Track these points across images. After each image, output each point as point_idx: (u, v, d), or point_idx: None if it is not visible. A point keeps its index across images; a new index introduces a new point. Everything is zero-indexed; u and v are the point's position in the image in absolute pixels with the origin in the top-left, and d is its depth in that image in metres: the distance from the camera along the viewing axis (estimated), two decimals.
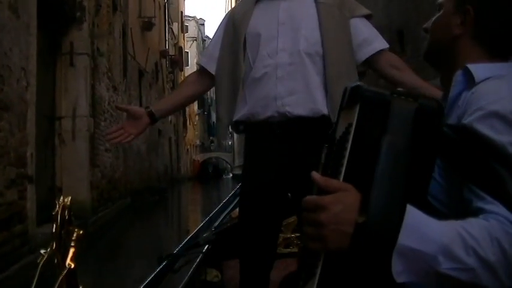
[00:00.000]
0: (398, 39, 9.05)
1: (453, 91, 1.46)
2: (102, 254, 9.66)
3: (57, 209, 1.35)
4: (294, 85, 2.53)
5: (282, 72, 2.55)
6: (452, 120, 1.40)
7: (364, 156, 1.21)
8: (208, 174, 53.71)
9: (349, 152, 1.23)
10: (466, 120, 1.32)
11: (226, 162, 63.94)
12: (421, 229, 1.15)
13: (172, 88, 36.23)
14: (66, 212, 1.35)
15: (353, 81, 1.78)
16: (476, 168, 1.27)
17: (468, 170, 1.29)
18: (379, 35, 2.74)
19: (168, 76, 33.69)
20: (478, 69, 1.42)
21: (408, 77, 2.63)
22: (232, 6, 3.33)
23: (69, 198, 1.40)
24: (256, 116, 2.60)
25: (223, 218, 4.54)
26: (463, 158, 1.30)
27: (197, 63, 3.09)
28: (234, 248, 2.79)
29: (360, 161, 1.22)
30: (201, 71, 2.88)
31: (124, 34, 18.22)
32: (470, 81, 1.42)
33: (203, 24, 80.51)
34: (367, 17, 2.74)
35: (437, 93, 1.80)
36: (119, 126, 2.79)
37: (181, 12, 50.97)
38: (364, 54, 2.67)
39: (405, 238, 1.13)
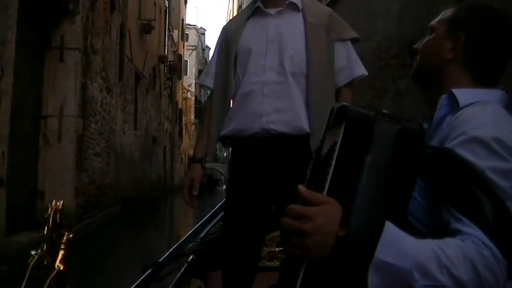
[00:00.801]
0: (409, 51, 8.56)
1: (438, 114, 1.54)
2: (85, 263, 8.90)
3: (49, 212, 1.43)
4: (279, 103, 2.61)
5: (268, 90, 2.62)
6: (435, 142, 1.49)
7: (347, 173, 1.29)
8: (201, 185, 52.85)
9: (333, 169, 1.31)
10: (449, 144, 1.39)
11: (221, 173, 63.39)
12: (398, 245, 1.21)
13: (170, 95, 35.68)
14: (58, 215, 1.44)
15: (332, 102, 2.28)
16: (456, 191, 1.33)
17: (448, 192, 1.35)
18: (360, 62, 2.79)
19: (166, 82, 33.04)
20: (463, 94, 1.50)
21: None
22: (234, 16, 3.38)
23: (61, 202, 1.48)
24: (242, 132, 2.67)
25: (209, 229, 4.55)
26: (444, 180, 1.36)
27: (199, 83, 3.18)
28: (219, 259, 2.83)
29: (343, 178, 1.30)
30: (211, 100, 2.95)
31: (122, 35, 17.55)
32: (454, 105, 1.50)
33: (204, 34, 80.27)
34: (354, 41, 2.79)
35: None
36: (188, 191, 2.91)
37: (182, 20, 50.69)
38: (342, 80, 2.74)
39: (382, 253, 1.20)
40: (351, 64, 2.75)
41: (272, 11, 2.77)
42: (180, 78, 44.53)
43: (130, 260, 10.13)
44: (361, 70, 2.79)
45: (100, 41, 13.03)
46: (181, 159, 51.12)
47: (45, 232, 1.39)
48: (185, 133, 52.93)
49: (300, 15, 2.74)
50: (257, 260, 2.78)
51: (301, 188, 1.31)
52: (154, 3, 26.58)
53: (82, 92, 10.81)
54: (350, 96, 2.76)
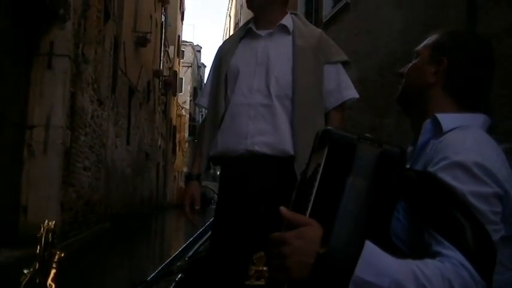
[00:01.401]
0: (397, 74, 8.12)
1: (422, 138, 1.62)
2: (72, 282, 8.25)
3: (41, 231, 1.44)
4: (263, 125, 2.64)
5: (254, 112, 2.66)
6: (419, 166, 1.56)
7: (329, 194, 1.34)
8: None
9: (316, 189, 1.37)
10: (432, 168, 1.45)
11: (214, 192, 62.75)
12: (376, 263, 1.25)
13: (164, 111, 35.22)
14: (50, 234, 1.45)
15: (320, 124, 2.56)
16: (437, 214, 1.38)
17: (430, 215, 1.39)
18: (351, 84, 2.80)
19: (160, 98, 32.56)
20: (446, 119, 1.58)
21: None
22: (230, 35, 3.30)
23: (54, 222, 1.49)
24: (229, 153, 2.71)
25: (198, 247, 4.54)
26: (426, 203, 1.41)
27: (196, 103, 3.25)
28: (207, 278, 2.87)
29: (325, 198, 1.35)
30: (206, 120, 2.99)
31: (116, 46, 17.04)
32: (438, 130, 1.58)
33: (199, 51, 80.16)
34: (344, 64, 2.80)
35: None
36: (189, 209, 2.89)
37: (179, 37, 50.59)
38: (331, 103, 2.76)
39: (361, 270, 1.24)
40: (340, 87, 2.78)
41: (263, 32, 2.82)
42: (174, 95, 44.22)
43: (119, 278, 10.02)
44: (351, 93, 2.82)
45: (92, 50, 12.49)
46: (174, 176, 50.77)
47: (37, 251, 1.42)
48: (179, 150, 52.51)
49: (289, 38, 2.78)
50: (244, 278, 2.68)
51: (283, 209, 1.35)
52: (151, 17, 26.10)
53: (71, 102, 10.22)
54: (339, 119, 2.80)
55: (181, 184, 55.50)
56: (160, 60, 31.06)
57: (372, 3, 11.22)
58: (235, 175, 2.74)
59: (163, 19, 31.64)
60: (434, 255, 1.33)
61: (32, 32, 9.19)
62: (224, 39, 3.30)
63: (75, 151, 10.93)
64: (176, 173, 52.47)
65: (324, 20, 13.78)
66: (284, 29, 2.80)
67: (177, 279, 3.85)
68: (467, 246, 1.31)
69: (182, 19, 54.25)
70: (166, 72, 35.17)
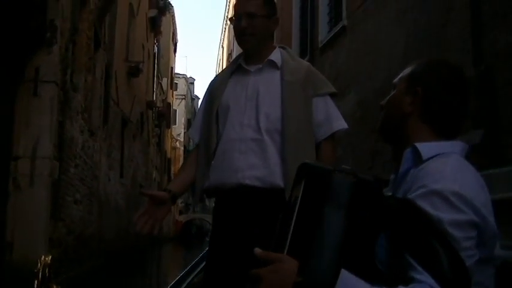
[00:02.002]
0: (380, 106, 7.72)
1: (402, 167, 1.67)
2: None
3: (38, 267, 1.12)
4: (253, 160, 2.69)
5: (245, 147, 2.71)
6: (400, 194, 1.62)
7: (306, 225, 1.40)
8: (190, 236, 52.20)
9: (294, 222, 1.42)
10: (411, 196, 1.51)
11: (210, 224, 62.09)
12: None
13: (159, 143, 34.72)
14: (47, 269, 1.10)
15: (310, 156, 2.65)
16: (413, 240, 1.43)
17: (407, 241, 1.44)
18: (340, 115, 2.85)
19: (154, 130, 32.06)
20: (425, 148, 1.64)
21: None
22: (223, 67, 3.27)
23: (50, 257, 1.13)
24: (221, 186, 2.76)
25: (192, 279, 4.47)
26: (404, 229, 1.45)
27: (189, 135, 3.26)
28: None
29: (303, 229, 1.41)
30: (196, 145, 3.06)
31: (107, 75, 16.59)
32: (418, 158, 1.63)
33: (193, 83, 79.96)
34: (332, 95, 2.85)
35: None
36: (142, 211, 2.81)
37: (172, 68, 50.38)
38: (321, 135, 2.80)
39: None
40: (330, 118, 2.82)
41: (252, 68, 2.85)
42: (168, 127, 43.80)
43: None
44: (340, 124, 2.85)
45: (82, 78, 12.02)
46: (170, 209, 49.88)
47: (35, 286, 1.21)
48: None
49: (278, 73, 2.81)
50: None
51: (257, 250, 1.43)
52: (143, 47, 25.70)
53: (59, 131, 9.68)
54: (330, 150, 2.85)
55: (178, 217, 55.07)
56: (153, 91, 30.60)
57: (370, 24, 10.79)
58: (228, 208, 2.79)
59: (155, 50, 31.26)
60: (409, 280, 1.38)
61: (16, 57, 8.69)
62: (216, 73, 3.76)
63: (65, 183, 10.36)
64: (172, 206, 51.67)
65: (320, 45, 13.44)
66: (272, 64, 2.85)
67: None
68: (441, 271, 1.36)
69: (175, 51, 54.17)
70: (159, 104, 34.73)
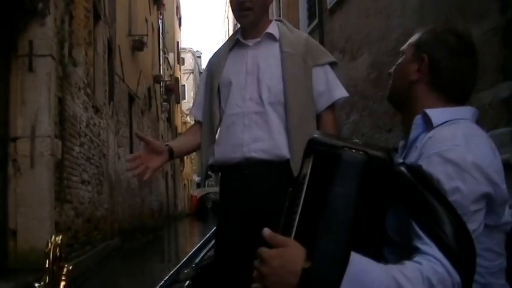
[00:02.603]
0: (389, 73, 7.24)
1: (413, 134, 1.68)
2: None
3: (49, 246, 1.46)
4: (259, 133, 2.72)
5: (248, 120, 2.74)
6: (409, 159, 1.61)
7: (314, 207, 1.35)
8: (206, 210, 51.83)
9: (302, 202, 1.38)
10: (423, 162, 1.50)
11: None
12: (361, 278, 1.28)
13: (168, 118, 34.20)
14: (58, 249, 1.47)
15: (313, 127, 2.72)
16: (421, 208, 1.42)
17: (415, 207, 1.44)
18: (340, 84, 2.87)
19: (163, 105, 31.46)
20: (436, 114, 1.64)
21: None
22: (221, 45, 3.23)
23: (60, 236, 1.50)
24: (227, 162, 2.78)
25: (204, 254, 4.21)
26: (414, 196, 1.44)
27: (190, 115, 3.47)
28: (214, 284, 2.91)
29: (311, 210, 1.35)
30: (197, 121, 3.05)
31: (110, 50, 15.92)
32: (428, 125, 1.64)
33: (200, 57, 79.30)
34: (332, 64, 2.88)
35: None
36: (136, 154, 2.84)
37: (178, 43, 50.04)
38: (322, 104, 2.82)
39: (346, 286, 1.27)
40: (330, 88, 2.83)
41: (250, 42, 2.86)
42: (178, 102, 43.34)
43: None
44: (341, 92, 2.86)
45: (82, 52, 11.36)
46: (184, 185, 50.01)
47: (46, 265, 1.45)
48: (187, 158, 51.47)
49: (277, 45, 2.83)
50: (250, 282, 2.29)
51: (265, 231, 1.37)
52: (146, 20, 24.95)
53: (60, 109, 9.07)
54: (332, 120, 2.87)
55: (193, 192, 54.89)
56: (160, 65, 29.90)
57: None
58: (235, 183, 2.78)
59: (160, 24, 30.48)
60: (414, 250, 1.39)
61: (7, 30, 8.05)
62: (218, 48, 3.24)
63: (69, 163, 9.79)
64: (186, 182, 51.64)
65: (328, 7, 12.92)
66: (270, 37, 2.86)
67: (185, 286, 3.70)
68: (446, 242, 1.35)
69: (180, 25, 53.59)
70: (167, 78, 34.08)
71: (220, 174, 2.94)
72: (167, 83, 31.47)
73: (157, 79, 27.56)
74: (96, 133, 12.78)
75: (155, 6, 28.73)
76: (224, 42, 3.17)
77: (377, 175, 1.36)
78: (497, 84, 6.07)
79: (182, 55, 56.67)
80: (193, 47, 71.12)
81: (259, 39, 2.86)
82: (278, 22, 2.96)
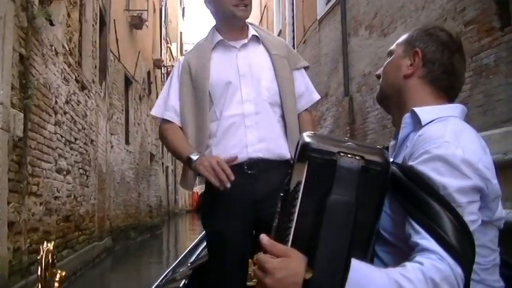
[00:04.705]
0: (499, 9, 6.49)
1: (402, 132, 1.69)
2: None
3: (41, 253, 1.47)
4: (262, 133, 2.75)
5: (250, 121, 2.74)
6: (400, 159, 1.63)
7: (311, 214, 1.33)
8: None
9: (298, 210, 1.35)
10: (414, 162, 1.51)
11: None
12: (363, 284, 1.27)
13: None
14: (50, 255, 1.50)
15: (297, 126, 2.85)
16: (417, 205, 1.44)
17: (410, 205, 1.45)
18: (313, 87, 3.05)
19: None
20: (424, 112, 1.64)
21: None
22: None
23: (53, 243, 1.53)
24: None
25: (199, 252, 4.13)
26: (407, 194, 1.47)
27: (154, 114, 3.01)
28: (209, 282, 2.89)
29: (307, 219, 1.33)
30: (166, 121, 2.90)
31: (103, 23, 13.80)
32: (417, 123, 1.65)
33: None
34: (305, 69, 3.04)
35: None
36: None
37: (181, 33, 48.50)
38: (303, 105, 2.95)
39: None
40: (309, 90, 2.99)
41: (236, 44, 2.86)
42: None
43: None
44: (317, 95, 3.04)
45: (63, 10, 9.20)
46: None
47: (39, 272, 1.46)
48: None
49: (261, 47, 2.88)
50: (244, 281, 2.78)
51: (263, 238, 1.35)
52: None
53: (21, 69, 6.84)
54: (311, 119, 3.07)
55: (194, 188, 53.51)
56: (161, 49, 27.61)
57: None
58: (236, 182, 2.57)
59: (162, 6, 28.21)
60: (413, 246, 1.39)
61: None
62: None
63: (38, 145, 7.56)
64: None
65: None
66: (256, 39, 2.89)
67: (180, 285, 3.57)
68: (446, 237, 1.35)
69: (183, 15, 52.32)
70: (169, 63, 31.88)
71: None
72: (169, 69, 29.14)
73: (157, 64, 25.28)
74: (81, 113, 10.59)
75: None
76: (198, 43, 3.06)
77: (374, 179, 1.36)
78: None
79: (185, 47, 54.99)
80: (195, 41, 69.76)
81: (246, 41, 2.86)
82: (252, 25, 2.98)
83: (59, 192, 8.70)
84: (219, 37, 2.86)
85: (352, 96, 12.14)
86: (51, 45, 8.29)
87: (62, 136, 8.93)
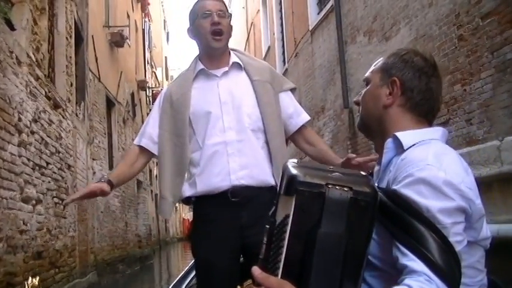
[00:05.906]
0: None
1: (385, 157, 1.68)
2: None
3: None
4: (244, 160, 2.75)
5: (232, 149, 2.75)
6: (384, 183, 1.62)
7: (301, 248, 1.31)
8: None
9: (287, 244, 1.32)
10: (397, 186, 1.50)
11: None
12: None
13: None
14: None
15: (285, 150, 2.91)
16: (402, 228, 1.43)
17: (396, 228, 1.45)
18: (302, 108, 3.09)
19: None
20: (406, 137, 1.64)
21: (320, 152, 2.96)
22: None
23: (37, 278, 1.03)
24: (212, 191, 2.75)
25: (189, 281, 4.02)
26: (393, 218, 1.46)
27: (135, 144, 3.01)
28: None
29: (297, 253, 1.32)
30: (142, 149, 2.94)
31: (80, 38, 12.62)
32: (399, 147, 1.64)
33: None
34: (292, 90, 3.05)
35: (339, 162, 2.61)
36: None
37: (166, 58, 47.73)
38: (295, 125, 2.98)
39: None
40: (298, 110, 3.00)
41: (217, 72, 2.87)
42: None
43: None
44: (306, 116, 3.03)
45: (27, 15, 7.99)
46: (176, 207, 47.31)
47: None
48: None
49: (243, 74, 2.89)
50: None
51: (255, 271, 1.33)
52: (128, 16, 21.59)
53: None
54: (313, 132, 3.16)
55: (185, 215, 52.42)
56: (145, 70, 26.41)
57: None
58: (221, 210, 2.73)
59: (145, 27, 27.10)
60: (401, 269, 1.39)
61: None
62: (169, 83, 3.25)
63: None
64: (177, 204, 48.94)
65: None
66: (237, 66, 2.89)
67: None
68: (432, 258, 1.36)
69: (167, 40, 51.50)
70: (153, 85, 30.72)
71: (195, 203, 2.86)
72: (153, 91, 27.92)
73: (142, 85, 24.06)
74: (54, 135, 9.31)
75: (139, 4, 25.37)
76: (182, 72, 3.09)
77: (363, 209, 1.33)
78: None
79: (171, 73, 54.36)
80: (181, 67, 69.18)
81: (227, 68, 2.87)
82: (235, 52, 2.97)
83: (26, 225, 7.38)
84: (200, 66, 2.89)
85: (352, 108, 11.04)
86: (11, 52, 7.05)
87: (28, 159, 7.64)
